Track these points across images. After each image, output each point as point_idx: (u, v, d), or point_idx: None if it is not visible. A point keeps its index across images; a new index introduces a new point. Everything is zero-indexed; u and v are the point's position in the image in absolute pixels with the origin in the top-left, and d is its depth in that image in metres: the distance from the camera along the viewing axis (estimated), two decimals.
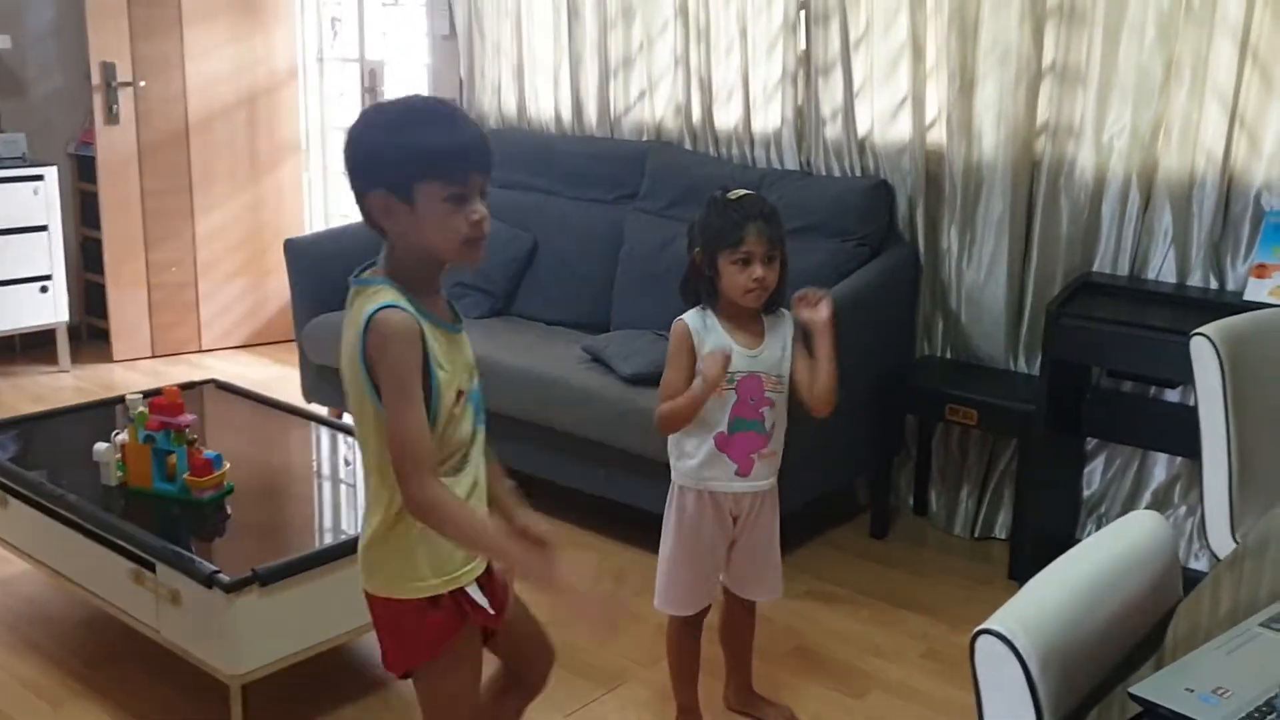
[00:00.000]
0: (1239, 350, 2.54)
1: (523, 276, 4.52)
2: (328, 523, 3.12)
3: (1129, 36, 3.43)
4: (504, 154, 5.10)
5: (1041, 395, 3.43)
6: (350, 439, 3.51)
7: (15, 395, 5.15)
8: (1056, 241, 3.66)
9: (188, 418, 2.94)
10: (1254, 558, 1.82)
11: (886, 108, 3.95)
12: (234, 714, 2.65)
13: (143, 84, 5.46)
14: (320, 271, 4.61)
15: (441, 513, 1.79)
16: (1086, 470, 3.77)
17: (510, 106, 5.04)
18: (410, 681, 2.00)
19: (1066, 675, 1.31)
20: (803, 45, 4.09)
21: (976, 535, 3.91)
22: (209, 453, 2.99)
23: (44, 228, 5.31)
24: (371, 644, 3.11)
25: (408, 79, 5.88)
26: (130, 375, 5.40)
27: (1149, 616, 1.52)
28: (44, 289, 5.35)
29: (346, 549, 2.75)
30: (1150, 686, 1.33)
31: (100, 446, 3.04)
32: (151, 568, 2.71)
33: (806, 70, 4.09)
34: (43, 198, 5.29)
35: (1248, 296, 3.26)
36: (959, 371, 3.86)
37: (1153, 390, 3.56)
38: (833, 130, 4.06)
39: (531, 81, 4.95)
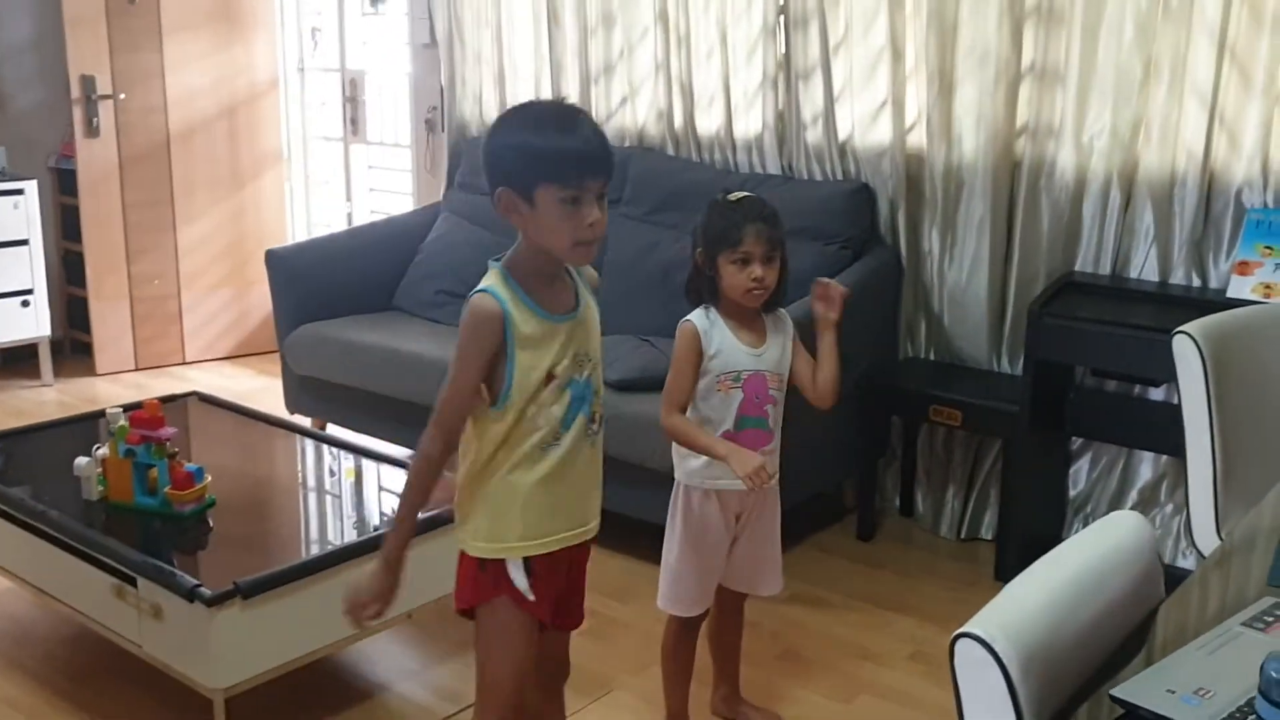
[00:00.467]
0: (1222, 348, 2.54)
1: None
2: (311, 535, 3.11)
3: (1107, 36, 3.44)
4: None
5: (1025, 395, 3.43)
6: (333, 450, 3.50)
7: None
8: (1038, 242, 3.67)
9: (168, 431, 2.93)
10: (1239, 555, 1.82)
11: (867, 111, 3.95)
12: None
13: (123, 96, 5.43)
14: (302, 282, 4.60)
15: (417, 459, 2.05)
16: (1072, 470, 3.77)
17: (492, 114, 5.03)
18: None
19: (1048, 678, 1.30)
20: (782, 50, 4.09)
21: (963, 536, 3.90)
22: (190, 466, 2.97)
23: (25, 242, 5.27)
24: (359, 654, 3.12)
25: (389, 88, 5.87)
26: (113, 389, 5.37)
27: (1131, 617, 1.51)
28: (25, 303, 5.32)
29: (330, 560, 2.75)
30: (1131, 688, 1.33)
31: (81, 461, 3.02)
32: (133, 582, 2.69)
33: (787, 75, 4.09)
34: (23, 212, 5.26)
35: (1230, 294, 3.26)
36: (943, 372, 3.86)
37: (1137, 389, 3.56)
38: (814, 134, 4.06)
39: (513, 89, 4.94)
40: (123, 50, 5.41)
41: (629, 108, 4.58)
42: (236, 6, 5.66)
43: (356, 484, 3.35)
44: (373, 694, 2.99)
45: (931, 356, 3.98)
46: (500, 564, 2.06)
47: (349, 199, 6.11)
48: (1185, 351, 2.51)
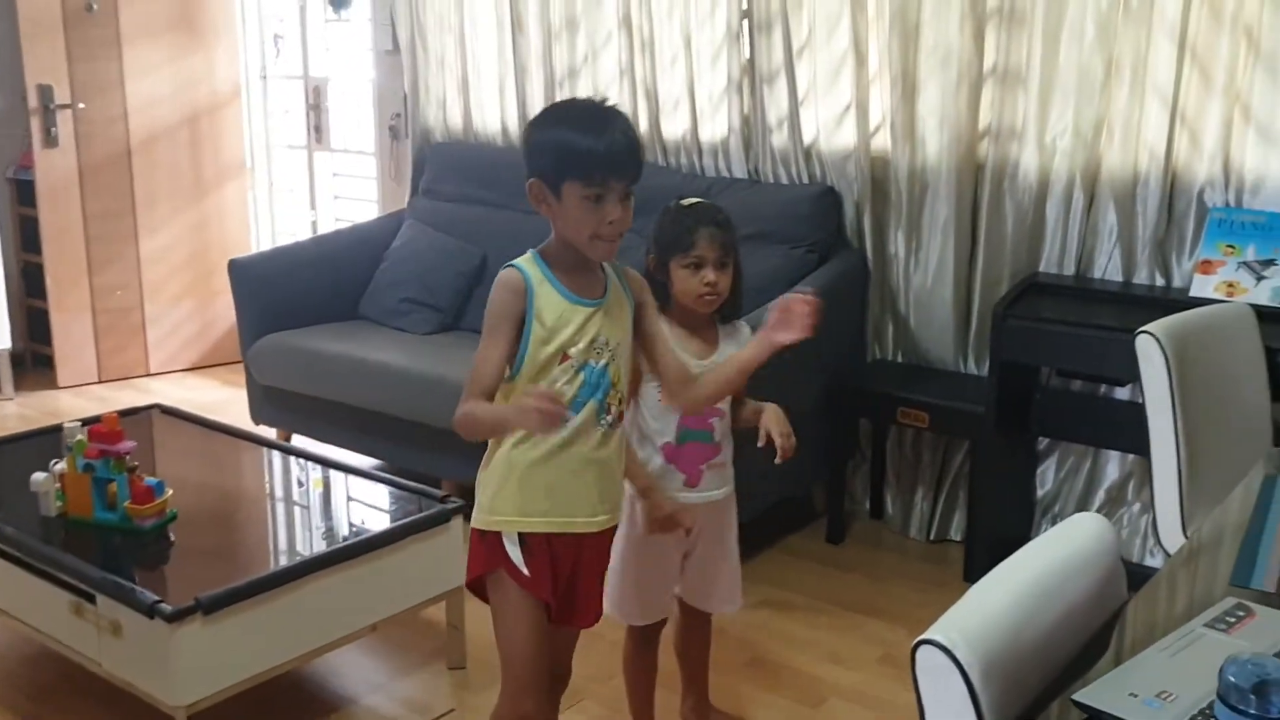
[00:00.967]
0: (1185, 347, 2.55)
1: (472, 291, 4.47)
2: (275, 547, 3.07)
3: (1069, 37, 3.45)
4: (451, 168, 5.11)
5: (990, 396, 3.43)
6: (300, 461, 3.47)
7: None
8: (1002, 243, 3.67)
9: (127, 445, 2.89)
10: (1205, 553, 1.82)
11: (831, 115, 3.95)
12: None
13: (82, 106, 5.37)
14: (266, 291, 4.56)
15: (466, 419, 2.03)
16: (1039, 470, 3.78)
17: (456, 120, 5.01)
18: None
19: (1010, 683, 1.29)
20: (746, 54, 4.08)
21: (932, 538, 3.90)
22: (150, 480, 2.93)
23: None
24: (325, 667, 3.09)
25: (352, 95, 5.83)
26: (76, 401, 5.31)
27: (1093, 620, 1.50)
28: None
29: (294, 573, 2.72)
30: (1094, 692, 1.32)
31: (38, 476, 2.97)
32: (92, 599, 2.65)
33: (751, 79, 4.08)
34: None
35: (1193, 293, 3.27)
36: (910, 375, 3.86)
37: (1102, 389, 3.57)
38: (779, 138, 4.05)
39: (477, 95, 4.92)
40: (81, 59, 5.35)
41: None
42: (197, 14, 5.62)
43: (322, 496, 3.31)
44: (339, 707, 2.96)
45: (899, 359, 3.98)
46: (497, 536, 2.12)
47: (313, 207, 6.07)
48: (1149, 351, 2.52)
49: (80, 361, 5.56)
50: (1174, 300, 3.24)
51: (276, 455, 3.53)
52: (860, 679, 3.07)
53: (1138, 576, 1.67)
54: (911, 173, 3.78)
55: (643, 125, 4.39)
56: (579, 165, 1.98)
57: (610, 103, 2.11)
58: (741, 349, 2.36)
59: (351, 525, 3.12)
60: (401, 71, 5.19)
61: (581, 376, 2.06)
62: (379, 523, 3.06)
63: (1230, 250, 3.26)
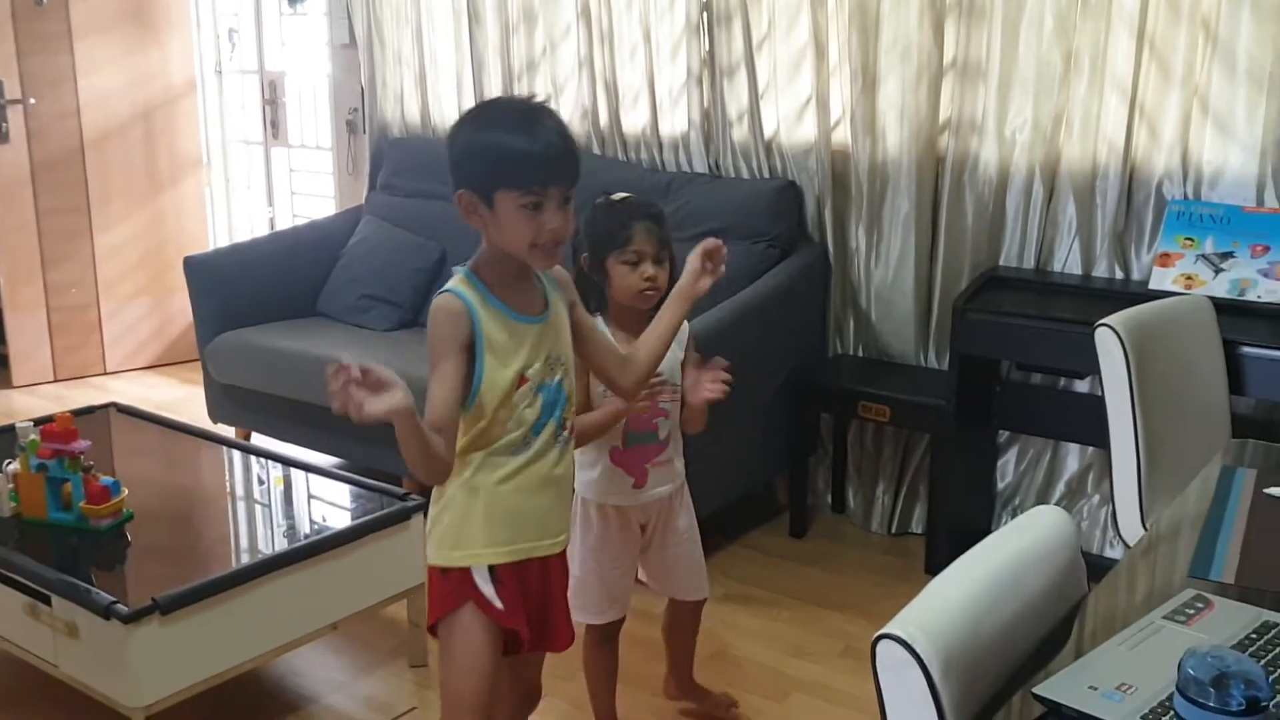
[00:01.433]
0: (1144, 340, 2.56)
1: (431, 287, 4.44)
2: (233, 546, 3.04)
3: (1028, 30, 3.46)
4: (409, 163, 5.07)
5: (951, 390, 3.44)
6: (259, 460, 3.43)
7: None
8: (962, 237, 3.68)
9: (81, 444, 2.85)
10: (1164, 545, 1.82)
11: (791, 108, 3.95)
12: None
13: (33, 101, 5.29)
14: (223, 288, 4.51)
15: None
16: (1000, 463, 3.79)
17: (414, 114, 4.97)
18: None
19: (970, 676, 1.29)
20: (706, 47, 4.07)
21: (894, 531, 3.91)
22: (106, 479, 2.89)
23: None
24: (286, 666, 3.06)
25: (309, 90, 5.78)
26: (31, 401, 5.24)
27: (1053, 612, 1.51)
28: None
29: (253, 573, 2.69)
30: (1054, 686, 1.32)
31: None
32: (47, 601, 2.61)
33: (711, 72, 4.07)
34: None
35: (1152, 286, 3.29)
36: (871, 369, 3.87)
37: (1062, 382, 3.59)
38: (739, 132, 4.05)
39: (434, 89, 4.88)
40: (31, 53, 5.26)
41: (553, 106, 4.52)
42: (149, 8, 5.54)
43: (282, 494, 3.28)
44: (300, 706, 2.93)
45: (860, 353, 3.98)
46: (463, 572, 1.99)
47: (270, 203, 6.01)
48: (1108, 344, 2.53)
49: (35, 360, 5.48)
50: (1133, 293, 3.25)
51: (235, 454, 3.49)
52: (822, 672, 3.07)
53: (1097, 568, 1.68)
54: (872, 166, 3.78)
55: (603, 119, 4.37)
56: (513, 172, 1.84)
57: (539, 99, 1.98)
58: (682, 342, 2.44)
59: (311, 523, 3.09)
60: (358, 66, 5.15)
61: (541, 397, 1.95)
62: (339, 521, 3.03)
63: (1189, 243, 3.28)
